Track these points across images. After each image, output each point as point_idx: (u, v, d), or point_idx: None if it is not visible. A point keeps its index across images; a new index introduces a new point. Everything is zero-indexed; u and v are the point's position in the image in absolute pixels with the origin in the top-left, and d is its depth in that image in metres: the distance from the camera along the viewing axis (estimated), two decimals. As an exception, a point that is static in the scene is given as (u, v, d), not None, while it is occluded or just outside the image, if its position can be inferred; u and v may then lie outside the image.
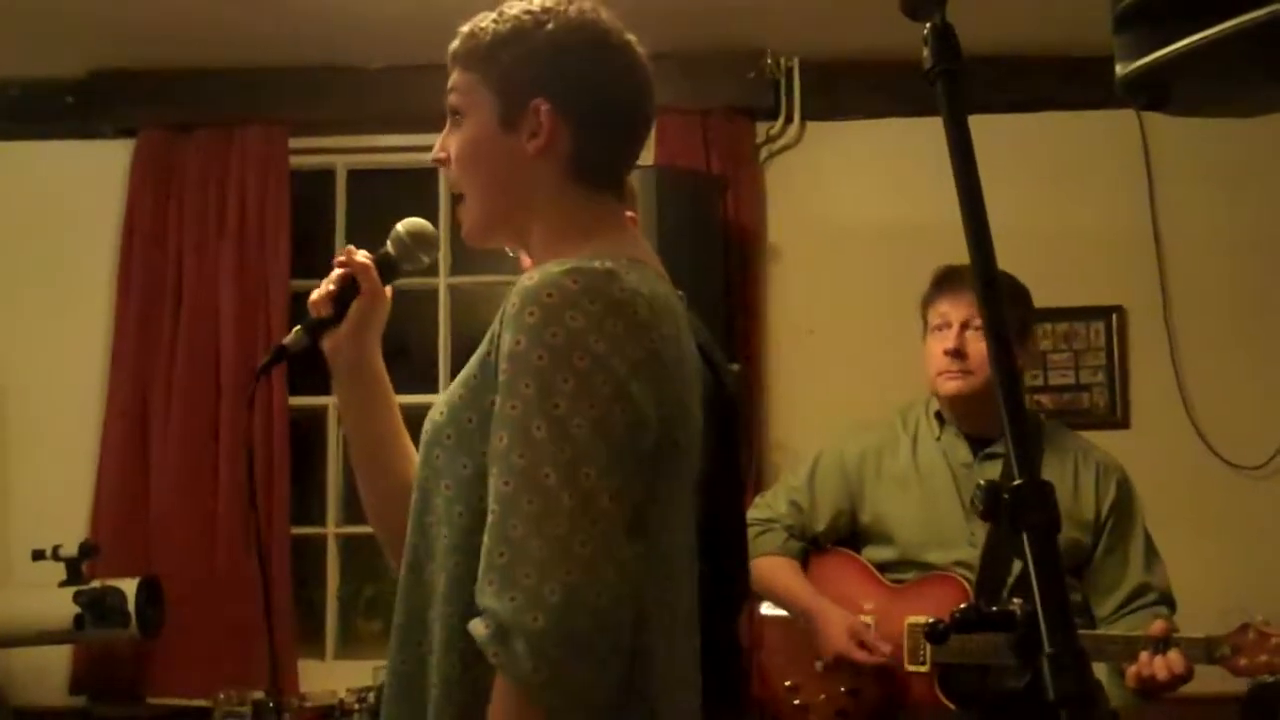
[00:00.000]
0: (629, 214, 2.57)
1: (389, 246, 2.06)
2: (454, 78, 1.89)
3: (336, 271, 2.04)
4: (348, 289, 2.02)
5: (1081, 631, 3.10)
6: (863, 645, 3.26)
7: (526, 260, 1.94)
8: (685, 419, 1.74)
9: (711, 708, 2.47)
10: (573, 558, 1.55)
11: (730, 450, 2.74)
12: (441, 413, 1.77)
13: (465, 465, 1.70)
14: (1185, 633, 3.08)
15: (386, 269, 2.04)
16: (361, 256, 2.02)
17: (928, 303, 3.40)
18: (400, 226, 2.06)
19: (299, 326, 2.05)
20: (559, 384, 1.60)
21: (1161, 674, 2.99)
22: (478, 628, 1.57)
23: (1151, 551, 3.31)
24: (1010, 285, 3.27)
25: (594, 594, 1.55)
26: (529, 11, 1.85)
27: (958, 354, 3.28)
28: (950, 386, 3.31)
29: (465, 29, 1.89)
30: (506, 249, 1.97)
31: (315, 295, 2.04)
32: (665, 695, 1.72)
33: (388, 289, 2.05)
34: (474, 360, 1.76)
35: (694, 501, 1.82)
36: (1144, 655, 3.01)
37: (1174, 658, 3.00)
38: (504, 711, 1.59)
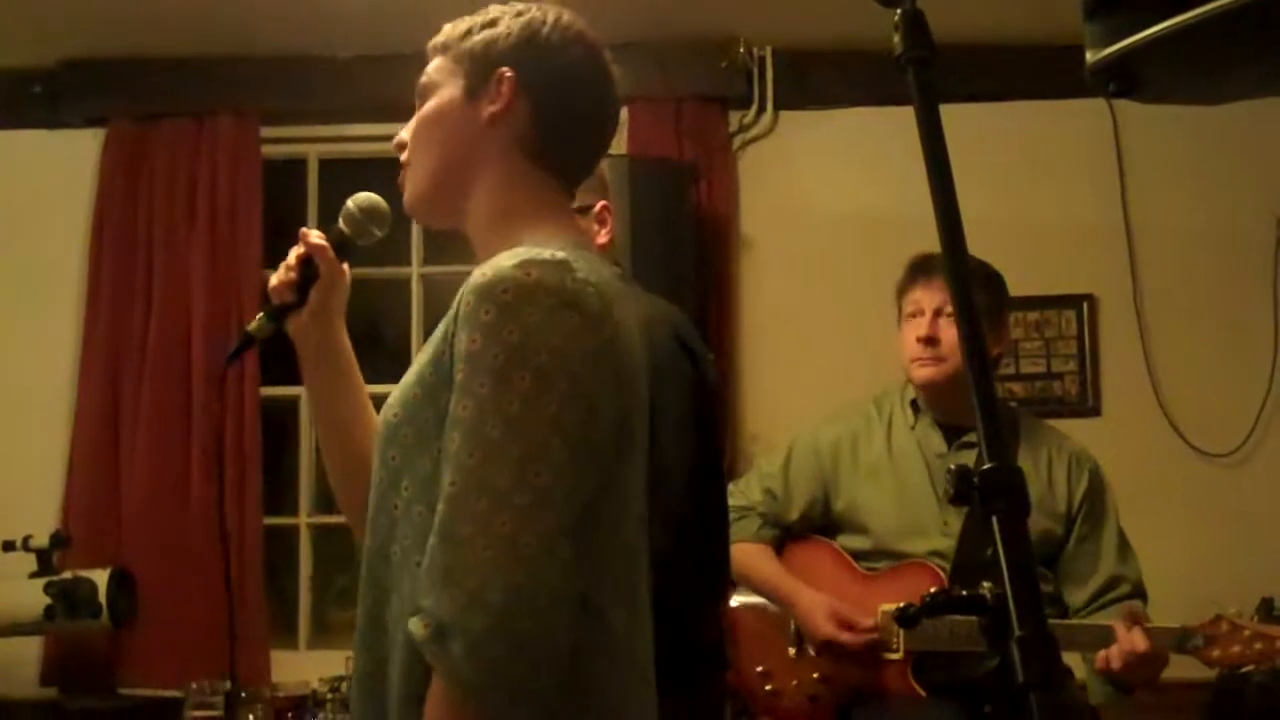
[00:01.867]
0: (602, 203, 2.57)
1: (341, 224, 2.05)
2: (429, 66, 1.93)
3: (294, 255, 2.03)
4: (307, 272, 2.01)
5: (1053, 621, 3.14)
6: (845, 626, 3.27)
7: None
8: (640, 406, 1.75)
9: (693, 691, 2.49)
10: (518, 559, 1.53)
11: (711, 439, 2.75)
12: (396, 413, 1.76)
13: (423, 464, 1.69)
14: (1158, 621, 3.10)
15: (342, 247, 2.04)
16: (315, 238, 2.01)
17: (902, 291, 3.43)
18: (350, 202, 2.06)
19: (261, 313, 2.05)
20: (515, 382, 1.59)
21: (1125, 646, 3.00)
22: (416, 627, 1.56)
23: (1124, 543, 3.33)
24: (984, 271, 3.30)
25: (537, 596, 1.54)
26: (508, 5, 1.91)
27: (930, 341, 3.30)
28: (923, 373, 3.33)
29: (447, 25, 1.93)
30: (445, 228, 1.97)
31: (274, 280, 2.04)
32: (629, 690, 1.73)
33: (346, 267, 2.04)
34: (428, 358, 1.74)
35: (647, 490, 1.82)
36: (1119, 634, 3.03)
37: (1136, 635, 3.01)
38: (440, 713, 1.57)
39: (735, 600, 3.49)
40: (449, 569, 1.55)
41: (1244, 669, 3.18)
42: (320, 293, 2.01)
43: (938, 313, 3.32)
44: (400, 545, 1.71)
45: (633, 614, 1.74)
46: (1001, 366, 4.64)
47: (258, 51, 4.76)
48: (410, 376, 1.77)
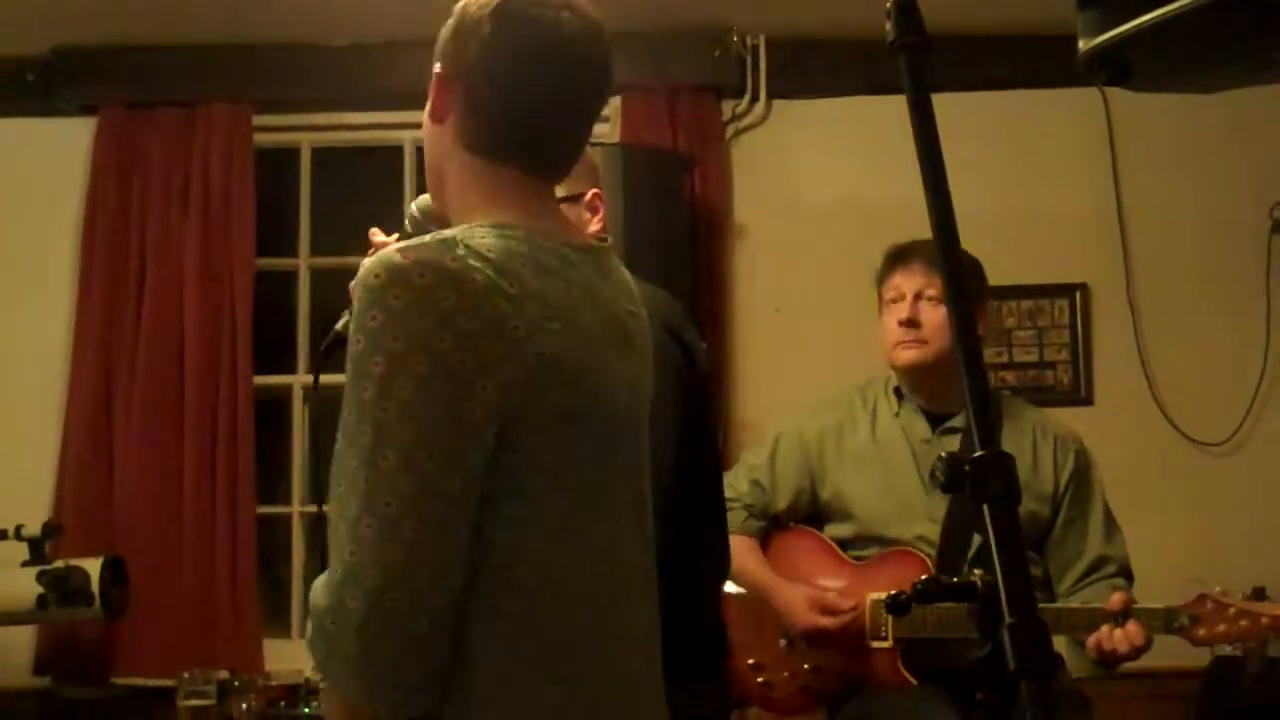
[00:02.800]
0: (594, 191, 2.56)
1: (407, 225, 2.10)
2: None
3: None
4: None
5: (1042, 605, 3.14)
6: (826, 611, 3.27)
7: None
8: (576, 377, 1.70)
9: (695, 677, 2.48)
10: (356, 539, 1.56)
11: (703, 427, 2.74)
12: None
13: (353, 458, 1.65)
14: (1144, 604, 3.11)
15: None
16: (381, 238, 2.06)
17: (880, 279, 3.44)
18: (413, 204, 2.11)
19: (346, 313, 2.08)
20: (370, 368, 1.59)
21: (1122, 646, 3.03)
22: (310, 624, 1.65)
23: (1110, 523, 3.34)
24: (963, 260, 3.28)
25: (367, 575, 1.55)
26: None
27: (911, 323, 3.31)
28: (906, 356, 3.34)
29: None
30: None
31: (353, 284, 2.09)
32: (514, 678, 1.68)
33: None
34: None
35: (630, 463, 1.82)
36: (1104, 628, 3.05)
37: (1132, 629, 3.03)
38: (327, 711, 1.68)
39: (728, 589, 3.50)
40: (325, 550, 1.61)
41: (1231, 646, 3.19)
42: None
43: (918, 296, 3.32)
44: None
45: (537, 600, 1.69)
46: (994, 355, 4.65)
47: (251, 39, 4.75)
48: None
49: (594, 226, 2.50)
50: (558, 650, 1.69)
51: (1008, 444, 3.22)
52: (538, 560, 1.68)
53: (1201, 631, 3.11)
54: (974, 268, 3.34)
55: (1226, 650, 3.17)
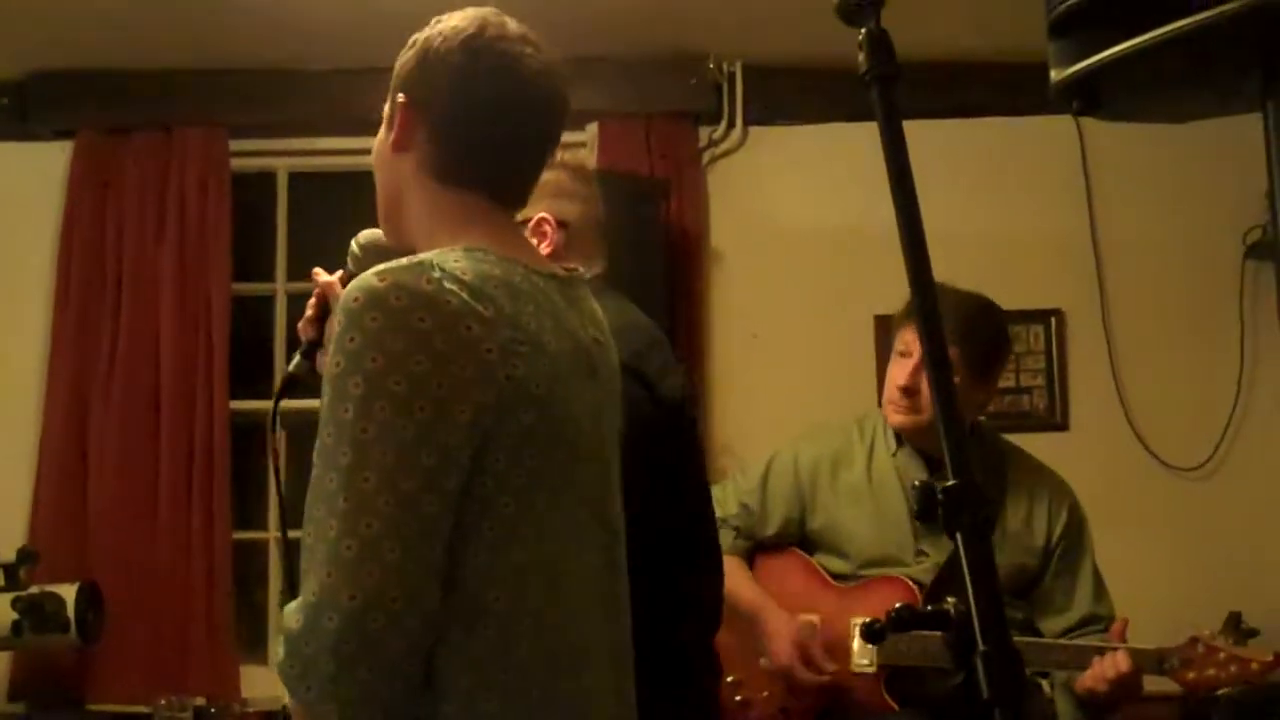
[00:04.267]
0: (539, 215, 2.55)
1: (349, 264, 2.14)
2: None
3: (314, 296, 2.13)
4: (324, 309, 2.11)
5: (1031, 640, 3.16)
6: (808, 662, 3.26)
7: None
8: (544, 401, 1.71)
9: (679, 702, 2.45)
10: (334, 561, 1.57)
11: (678, 460, 2.66)
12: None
13: (331, 479, 1.66)
14: (1133, 642, 3.12)
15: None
16: (326, 277, 2.10)
17: (897, 325, 3.38)
18: (354, 241, 2.14)
19: (297, 353, 2.16)
20: (349, 389, 1.61)
21: (1110, 672, 3.03)
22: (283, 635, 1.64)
23: (1100, 582, 3.34)
24: (976, 319, 3.27)
25: (345, 596, 1.55)
26: (436, 23, 1.90)
27: (910, 391, 3.25)
28: (896, 420, 3.32)
29: None
30: None
31: (301, 322, 2.14)
32: (542, 691, 1.71)
33: None
34: None
35: (593, 476, 1.83)
36: (1095, 660, 3.05)
37: (1120, 656, 3.04)
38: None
39: None
40: (302, 574, 1.60)
41: (1221, 692, 3.21)
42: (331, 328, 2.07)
43: (922, 357, 3.28)
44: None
45: (506, 622, 1.70)
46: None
47: (227, 64, 4.74)
48: None
49: (544, 250, 2.48)
50: (524, 673, 1.69)
51: (1007, 496, 3.23)
52: (507, 583, 1.69)
53: (1191, 675, 3.12)
54: (988, 330, 3.32)
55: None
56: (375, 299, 1.63)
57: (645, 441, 2.42)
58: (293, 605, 1.61)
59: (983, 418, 4.06)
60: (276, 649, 1.63)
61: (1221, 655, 3.11)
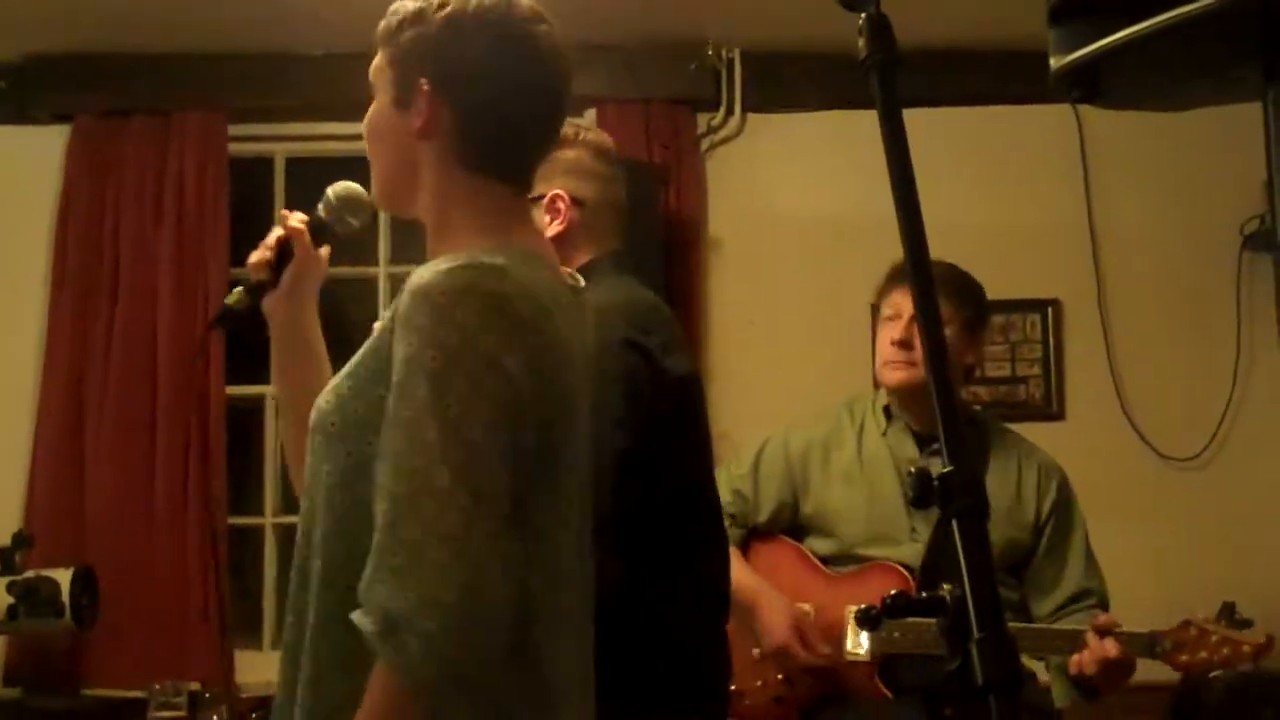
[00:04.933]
0: (554, 192, 2.52)
1: (320, 210, 2.10)
2: (375, 57, 1.92)
3: (273, 235, 2.07)
4: (284, 253, 2.06)
5: (1024, 625, 3.16)
6: (804, 642, 3.26)
7: None
8: (568, 418, 1.75)
9: (692, 709, 2.43)
10: (467, 559, 1.55)
11: (681, 435, 2.61)
12: (328, 400, 1.77)
13: (349, 454, 1.71)
14: (1126, 627, 3.12)
15: (318, 231, 2.08)
16: (295, 220, 2.06)
17: (881, 294, 3.44)
18: (330, 190, 2.10)
19: (239, 287, 2.09)
20: (453, 386, 1.61)
21: (1099, 654, 3.03)
22: (365, 622, 1.57)
23: (1091, 557, 3.34)
24: (965, 282, 3.35)
25: (486, 595, 1.56)
26: None
27: (905, 344, 3.29)
28: (895, 376, 3.33)
29: (390, 10, 1.90)
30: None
31: (253, 258, 2.08)
32: (560, 696, 1.73)
33: (323, 251, 2.09)
34: (364, 352, 1.77)
35: (580, 501, 1.82)
36: (1086, 643, 3.06)
37: (1108, 643, 3.04)
38: (384, 707, 1.58)
39: None
40: (398, 570, 1.56)
41: (1211, 674, 3.21)
42: (293, 274, 2.05)
43: (915, 317, 3.30)
44: (322, 530, 1.73)
45: (558, 618, 1.74)
46: (966, 370, 4.66)
47: (226, 48, 4.74)
48: (347, 367, 1.79)
49: (554, 229, 2.46)
50: (542, 678, 1.71)
51: (992, 472, 3.26)
52: (538, 589, 1.70)
53: (1184, 657, 3.12)
54: (976, 293, 3.38)
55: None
56: (459, 297, 1.64)
57: (645, 415, 2.40)
58: (410, 603, 1.55)
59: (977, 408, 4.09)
60: (397, 639, 1.55)
61: (1214, 638, 3.12)
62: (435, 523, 1.56)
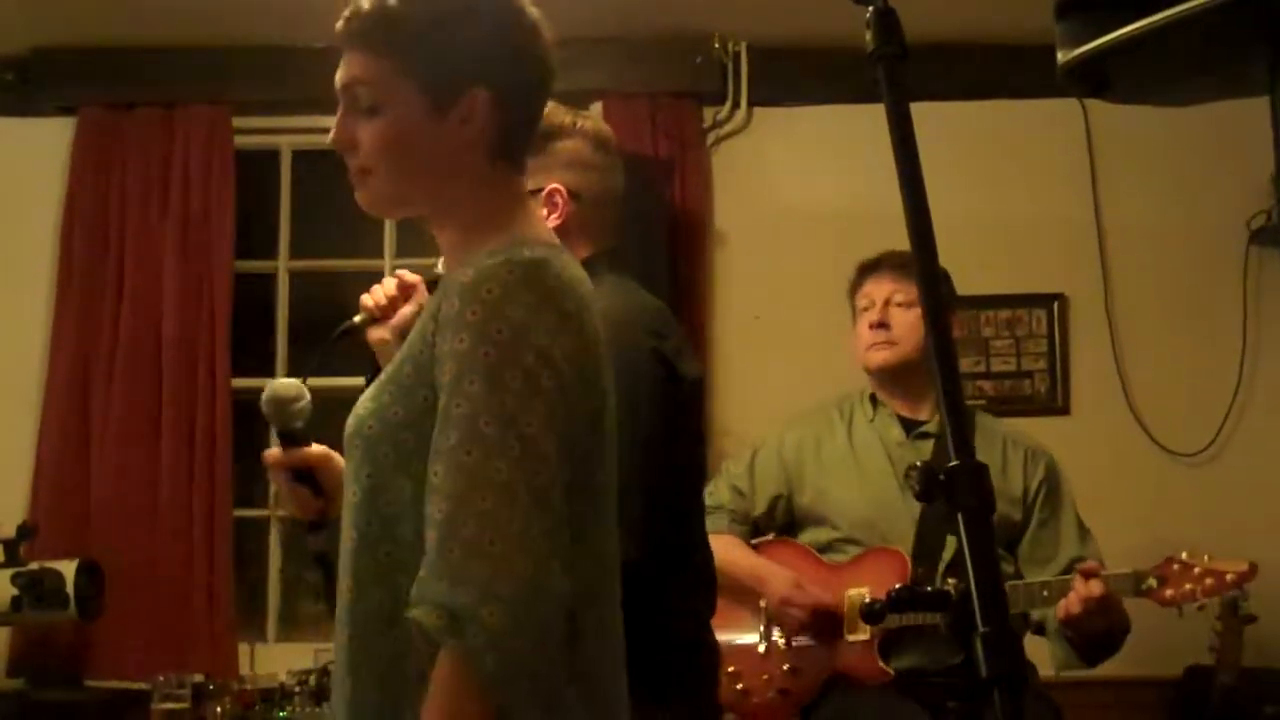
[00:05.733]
0: (552, 186, 2.52)
1: (271, 424, 2.13)
2: (357, 62, 1.80)
3: (283, 483, 2.11)
4: (307, 479, 2.10)
5: (1015, 582, 3.24)
6: (804, 591, 3.35)
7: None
8: (607, 407, 1.77)
9: (678, 705, 2.44)
10: (526, 553, 1.56)
11: (682, 439, 2.64)
12: (366, 407, 1.77)
13: (388, 454, 1.71)
14: (1113, 570, 3.18)
15: (291, 437, 2.11)
16: (273, 456, 2.09)
17: (853, 291, 3.61)
18: (261, 402, 2.11)
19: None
20: (507, 381, 1.61)
21: (1082, 592, 3.09)
22: (429, 617, 1.56)
23: (1083, 527, 3.44)
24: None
25: (546, 588, 1.57)
26: None
27: (882, 325, 3.46)
28: (878, 357, 3.47)
29: (363, 6, 1.79)
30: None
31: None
32: (599, 687, 1.74)
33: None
34: (402, 360, 1.75)
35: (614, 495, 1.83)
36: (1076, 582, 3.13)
37: (1093, 583, 3.11)
38: (451, 703, 1.57)
39: None
40: (457, 565, 1.56)
41: (1198, 604, 3.24)
42: (324, 479, 2.09)
43: (888, 301, 3.48)
44: (368, 533, 1.73)
45: (603, 612, 1.77)
46: (971, 364, 4.67)
47: (231, 40, 4.74)
48: (386, 376, 1.77)
49: (552, 223, 2.43)
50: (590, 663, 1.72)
51: (978, 452, 3.31)
52: (587, 577, 1.71)
53: (1169, 592, 3.20)
54: (943, 277, 3.40)
55: (1192, 604, 3.23)
56: (510, 292, 1.64)
57: (668, 420, 2.43)
58: (472, 597, 1.55)
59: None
60: (462, 634, 1.55)
61: (1196, 570, 3.20)
62: (494, 518, 1.57)
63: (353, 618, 1.74)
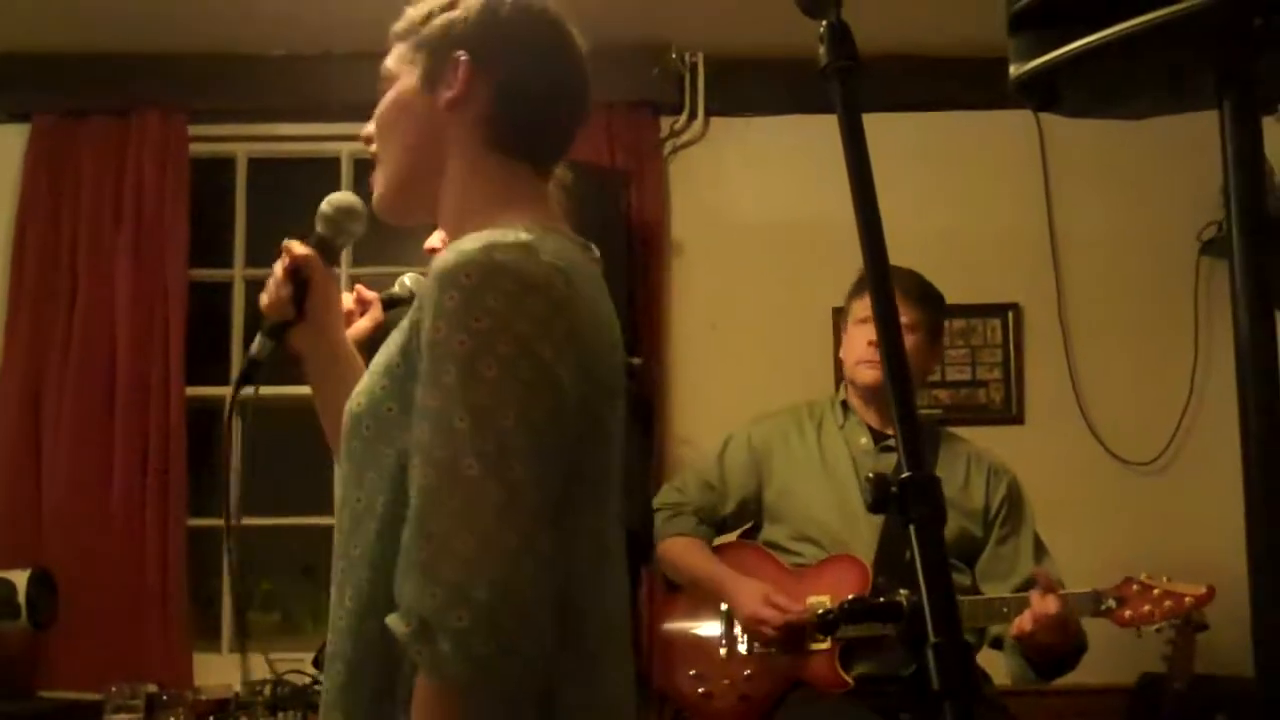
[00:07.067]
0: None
1: (320, 227, 2.05)
2: (390, 54, 1.88)
3: (280, 269, 2.02)
4: (300, 284, 2.01)
5: (974, 597, 3.24)
6: (774, 606, 3.33)
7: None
8: (610, 392, 1.70)
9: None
10: (499, 553, 1.50)
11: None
12: (360, 403, 1.72)
13: (387, 455, 1.65)
14: (1072, 589, 3.19)
15: (326, 251, 2.04)
16: (299, 247, 2.01)
17: (853, 298, 3.56)
18: (325, 203, 2.06)
19: (261, 334, 2.03)
20: (482, 372, 1.54)
21: (1038, 609, 3.09)
22: (398, 625, 1.52)
23: (1041, 547, 3.46)
24: (928, 289, 3.50)
25: (519, 590, 1.50)
26: None
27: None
28: (870, 375, 3.46)
29: (409, 9, 1.88)
30: (419, 222, 1.95)
31: (269, 299, 2.02)
32: (599, 691, 1.70)
33: (334, 269, 2.05)
34: (394, 349, 1.70)
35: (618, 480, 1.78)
36: (1034, 598, 3.12)
37: (1049, 600, 3.10)
38: (428, 712, 1.54)
39: (668, 624, 3.59)
40: (426, 565, 1.51)
41: (1155, 627, 3.26)
42: (317, 302, 2.02)
43: (875, 323, 3.42)
44: (362, 539, 1.67)
45: (601, 600, 1.71)
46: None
47: (186, 48, 4.71)
48: (377, 366, 1.73)
49: None
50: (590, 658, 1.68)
51: (940, 467, 3.35)
52: (581, 571, 1.66)
53: (1128, 613, 3.21)
54: (939, 301, 3.53)
55: (1150, 628, 3.25)
56: (489, 277, 1.58)
57: (630, 415, 2.46)
58: (439, 600, 1.50)
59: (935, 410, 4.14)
60: (430, 641, 1.50)
61: (1155, 591, 3.20)
62: (463, 515, 1.51)
63: (355, 606, 1.69)
